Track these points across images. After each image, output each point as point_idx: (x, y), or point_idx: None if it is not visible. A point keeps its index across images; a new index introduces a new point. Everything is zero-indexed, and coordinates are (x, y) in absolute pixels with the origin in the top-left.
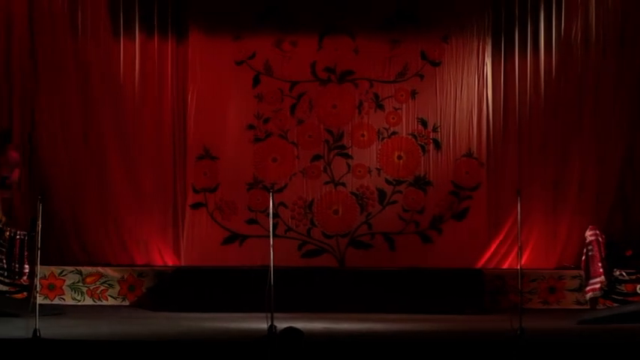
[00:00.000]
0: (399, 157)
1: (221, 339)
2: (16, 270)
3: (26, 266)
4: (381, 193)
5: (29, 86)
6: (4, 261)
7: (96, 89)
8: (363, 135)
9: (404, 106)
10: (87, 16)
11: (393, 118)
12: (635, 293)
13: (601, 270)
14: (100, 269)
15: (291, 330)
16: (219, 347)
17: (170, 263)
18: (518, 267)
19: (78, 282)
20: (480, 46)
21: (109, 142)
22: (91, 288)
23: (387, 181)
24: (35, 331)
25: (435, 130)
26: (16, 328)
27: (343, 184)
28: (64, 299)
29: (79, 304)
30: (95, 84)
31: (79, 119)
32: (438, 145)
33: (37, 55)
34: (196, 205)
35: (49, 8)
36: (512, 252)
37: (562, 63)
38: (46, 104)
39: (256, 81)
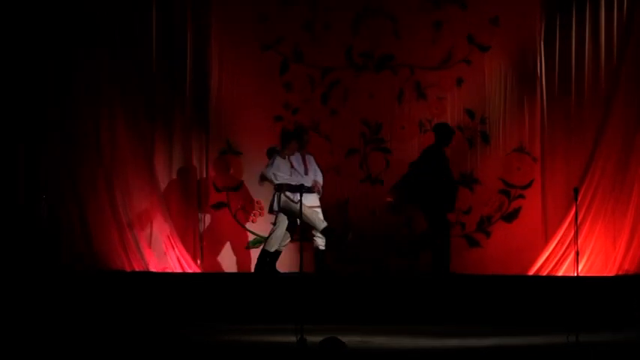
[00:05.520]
0: None
1: (245, 352)
2: None
3: None
4: None
5: None
6: None
7: None
8: (403, 127)
9: (448, 95)
10: None
11: (437, 109)
12: None
13: None
14: None
15: (331, 341)
16: None
17: (189, 270)
18: (575, 274)
19: None
20: (533, 29)
21: (120, 134)
22: None
23: None
24: None
25: (482, 121)
26: None
27: (381, 182)
28: None
29: None
30: None
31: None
32: (486, 138)
33: None
34: (218, 205)
35: None
36: (568, 257)
37: (624, 46)
38: None
39: (284, 68)
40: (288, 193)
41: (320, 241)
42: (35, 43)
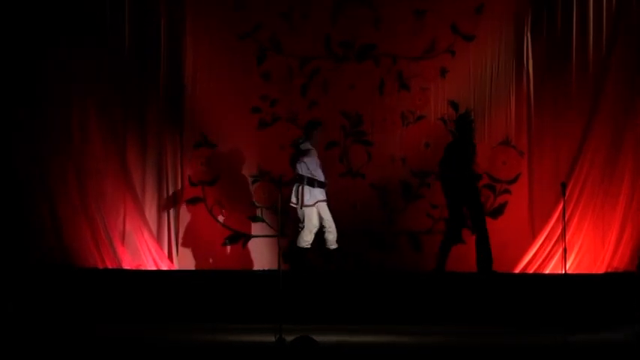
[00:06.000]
0: (427, 145)
1: (221, 353)
2: None
3: None
4: (406, 187)
5: None
6: None
7: None
8: (384, 119)
9: (432, 86)
10: None
11: (420, 100)
12: None
13: None
14: None
15: (303, 339)
16: None
17: (163, 267)
18: (563, 271)
19: None
20: (519, 19)
21: (91, 126)
22: None
23: (413, 173)
24: None
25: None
26: None
27: (362, 176)
28: None
29: None
30: None
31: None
32: None
33: None
34: (193, 200)
35: None
36: (555, 255)
37: (613, 36)
38: None
39: (262, 57)
40: (307, 187)
41: (331, 238)
42: (5, 36)
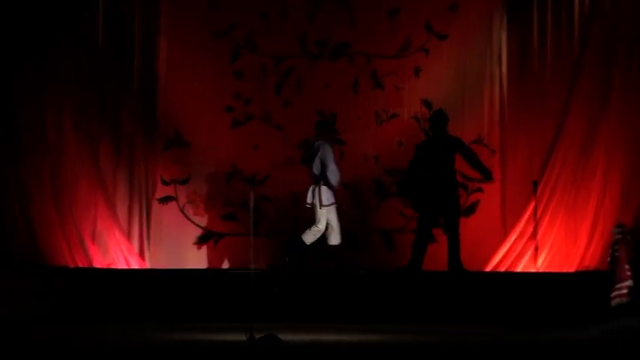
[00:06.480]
0: (400, 144)
1: (192, 352)
2: None
3: None
4: (379, 185)
5: None
6: None
7: None
8: (358, 118)
9: (406, 85)
10: None
11: (394, 99)
12: None
13: (629, 273)
14: None
15: (269, 338)
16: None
17: (135, 266)
18: (534, 270)
19: None
20: (493, 18)
21: (65, 126)
22: None
23: (386, 171)
24: None
25: None
26: None
27: None
28: None
29: None
30: None
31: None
32: None
33: None
34: (165, 199)
35: None
36: (527, 253)
37: (587, 36)
38: None
39: (236, 55)
40: (324, 188)
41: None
42: None
